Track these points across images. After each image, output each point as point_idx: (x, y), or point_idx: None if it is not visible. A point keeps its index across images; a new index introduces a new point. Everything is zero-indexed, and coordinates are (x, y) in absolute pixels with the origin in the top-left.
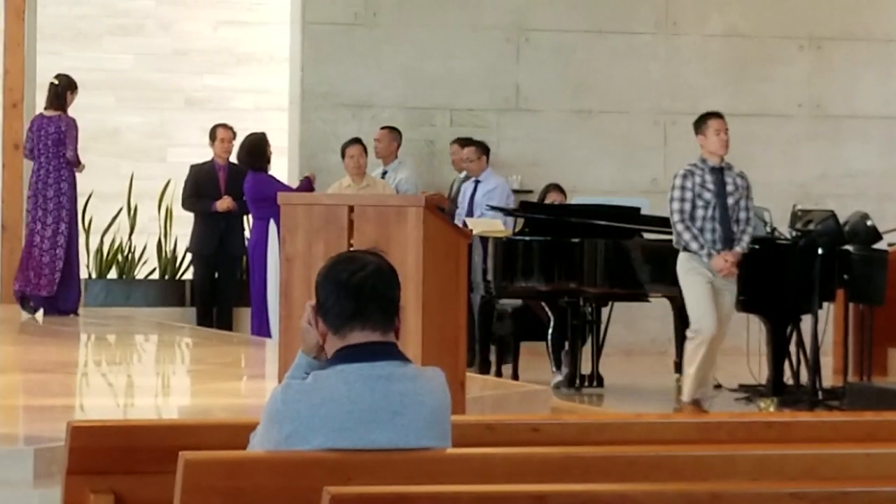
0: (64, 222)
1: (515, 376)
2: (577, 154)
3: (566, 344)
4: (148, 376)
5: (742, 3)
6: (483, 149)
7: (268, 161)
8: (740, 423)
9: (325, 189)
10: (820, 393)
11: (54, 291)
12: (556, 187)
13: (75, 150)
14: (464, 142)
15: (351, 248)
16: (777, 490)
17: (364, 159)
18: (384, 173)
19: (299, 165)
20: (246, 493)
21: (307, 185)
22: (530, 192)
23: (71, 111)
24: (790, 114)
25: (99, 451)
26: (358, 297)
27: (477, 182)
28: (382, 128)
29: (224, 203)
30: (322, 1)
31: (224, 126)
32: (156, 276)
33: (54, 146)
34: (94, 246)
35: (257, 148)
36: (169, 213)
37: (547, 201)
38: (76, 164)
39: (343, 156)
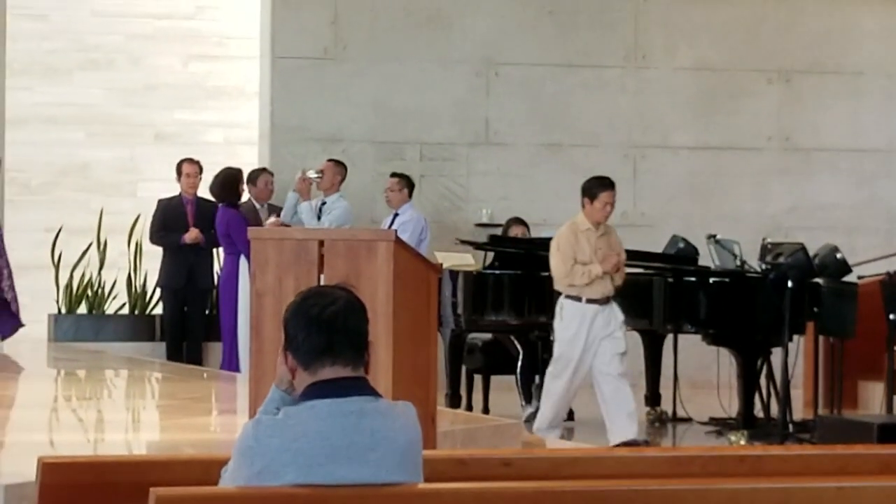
0: None
1: (486, 410)
2: (547, 187)
3: (536, 378)
4: (118, 411)
5: (711, 37)
6: (406, 182)
7: (239, 197)
8: (712, 456)
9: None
10: (790, 426)
11: None
12: (519, 220)
13: None
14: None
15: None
16: None
17: None
18: (323, 203)
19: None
20: None
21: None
22: (500, 225)
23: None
24: (760, 147)
25: (70, 486)
26: (329, 332)
27: (395, 214)
28: (329, 160)
29: (192, 234)
30: (292, 35)
31: (190, 161)
32: (125, 311)
33: None
34: (63, 281)
35: (230, 183)
36: (139, 248)
37: (510, 235)
38: None
39: (593, 198)
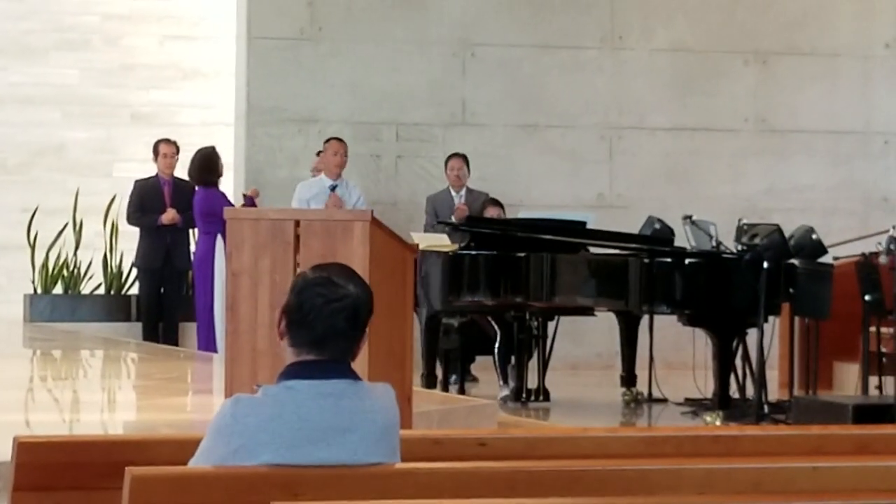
0: None
1: (462, 391)
2: (524, 168)
3: (512, 358)
4: (94, 392)
5: (688, 18)
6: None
7: (219, 176)
8: (687, 437)
9: None
10: (766, 407)
11: None
12: (494, 201)
13: None
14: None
15: (335, 264)
16: None
17: None
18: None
19: (245, 180)
20: None
21: (249, 203)
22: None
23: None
24: (736, 128)
25: (45, 466)
26: (321, 329)
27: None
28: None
29: (169, 215)
30: (268, 16)
31: (167, 141)
32: (101, 291)
33: None
34: (39, 261)
35: (208, 163)
36: (115, 229)
37: (485, 216)
38: None
39: None
